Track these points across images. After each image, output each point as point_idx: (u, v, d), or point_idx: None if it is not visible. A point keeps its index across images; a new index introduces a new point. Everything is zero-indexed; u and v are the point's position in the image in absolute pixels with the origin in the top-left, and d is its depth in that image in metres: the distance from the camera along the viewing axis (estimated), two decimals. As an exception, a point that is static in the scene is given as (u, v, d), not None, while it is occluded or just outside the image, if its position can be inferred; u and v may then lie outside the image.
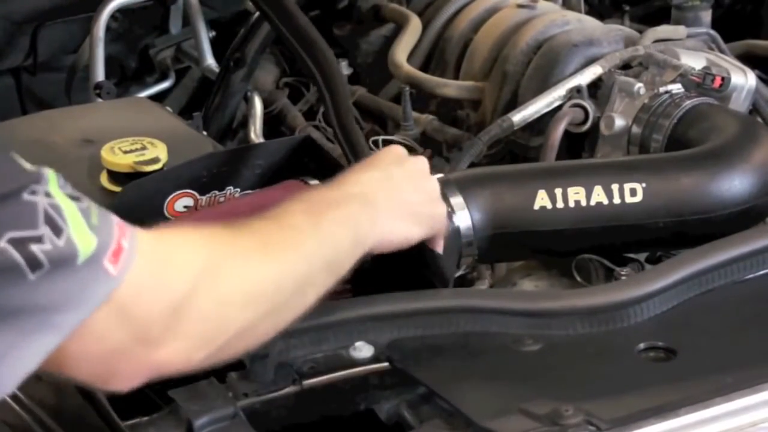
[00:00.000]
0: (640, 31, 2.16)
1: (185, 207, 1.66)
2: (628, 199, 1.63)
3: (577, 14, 2.26)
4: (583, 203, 1.63)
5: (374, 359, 1.36)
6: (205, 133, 2.09)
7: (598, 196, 1.63)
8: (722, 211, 1.66)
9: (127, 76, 2.82)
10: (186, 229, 1.26)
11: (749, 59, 2.17)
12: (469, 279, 1.85)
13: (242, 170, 1.71)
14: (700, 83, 1.91)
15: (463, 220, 1.60)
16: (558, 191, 1.63)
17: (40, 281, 1.04)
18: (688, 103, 1.88)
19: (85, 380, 1.16)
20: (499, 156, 2.11)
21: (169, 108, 2.21)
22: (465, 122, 2.22)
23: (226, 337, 1.20)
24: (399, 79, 2.28)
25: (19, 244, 1.03)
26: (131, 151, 1.74)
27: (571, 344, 1.40)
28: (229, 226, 1.25)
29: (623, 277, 1.65)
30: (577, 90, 2.00)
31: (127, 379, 1.16)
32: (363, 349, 1.36)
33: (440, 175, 1.63)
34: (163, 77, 2.82)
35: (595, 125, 1.98)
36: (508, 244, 1.63)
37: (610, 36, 2.10)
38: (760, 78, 2.05)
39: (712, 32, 2.19)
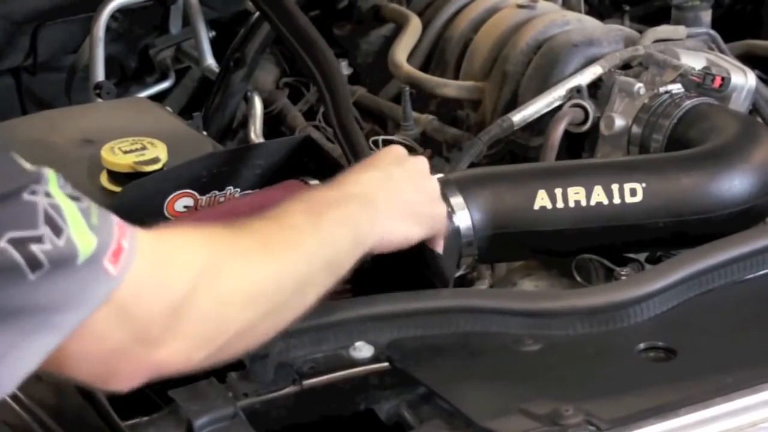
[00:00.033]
0: (640, 31, 2.16)
1: (185, 207, 1.66)
2: (628, 199, 1.63)
3: (577, 14, 2.26)
4: (583, 203, 1.63)
5: (374, 359, 1.36)
6: (205, 133, 2.09)
7: (598, 196, 1.63)
8: (722, 211, 1.66)
9: (127, 76, 2.82)
10: (186, 229, 1.26)
11: (749, 59, 2.17)
12: (469, 279, 1.85)
13: (242, 170, 1.71)
14: (700, 83, 1.91)
15: (463, 220, 1.60)
16: (558, 191, 1.62)
17: (40, 281, 1.04)
18: (688, 103, 1.88)
19: (85, 380, 1.16)
20: (499, 156, 2.11)
21: (169, 108, 2.21)
22: (465, 122, 2.22)
23: (226, 337, 1.20)
24: (399, 79, 2.28)
25: (19, 244, 1.03)
26: (131, 151, 1.74)
27: (571, 344, 1.40)
28: (229, 226, 1.25)
29: (623, 277, 1.65)
30: (577, 90, 2.00)
31: (127, 379, 1.16)
32: (363, 349, 1.36)
33: (440, 175, 1.63)
34: (163, 77, 2.82)
35: (595, 125, 1.98)
36: (508, 244, 1.63)
37: (610, 36, 2.10)
38: (760, 78, 2.05)
39: (712, 32, 2.19)
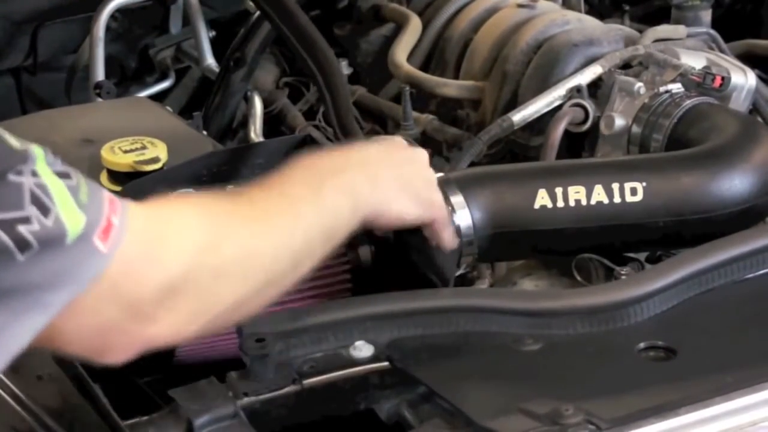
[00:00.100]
0: (640, 31, 2.16)
1: (185, 206, 1.65)
2: (629, 199, 1.63)
3: (577, 14, 2.26)
4: (584, 202, 1.62)
5: (374, 359, 1.36)
6: (205, 132, 2.10)
7: (599, 195, 1.63)
8: (722, 210, 1.66)
9: (127, 76, 2.82)
10: (182, 202, 1.25)
11: (749, 59, 2.17)
12: (470, 278, 1.85)
13: (242, 169, 1.72)
14: (700, 83, 1.91)
15: (464, 219, 1.59)
16: (558, 190, 1.62)
17: (30, 262, 1.04)
18: (688, 103, 1.88)
19: (79, 354, 1.16)
20: (500, 156, 2.10)
21: (169, 108, 2.21)
22: (465, 122, 2.22)
23: (220, 309, 1.20)
24: (399, 78, 2.28)
25: (6, 225, 1.03)
26: (131, 151, 1.74)
27: (571, 344, 1.40)
28: (228, 195, 1.25)
29: (623, 277, 1.64)
30: (577, 89, 2.00)
31: (121, 353, 1.16)
32: (363, 349, 1.36)
33: (440, 175, 1.63)
34: (163, 77, 2.83)
35: (595, 125, 1.98)
36: (508, 243, 1.63)
37: (610, 36, 2.10)
38: (760, 78, 2.05)
39: (712, 32, 2.19)
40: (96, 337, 1.13)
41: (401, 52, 2.30)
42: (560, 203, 1.62)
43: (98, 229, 1.08)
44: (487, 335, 1.40)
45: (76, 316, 1.09)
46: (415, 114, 2.22)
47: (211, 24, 2.70)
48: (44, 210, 1.04)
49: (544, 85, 2.05)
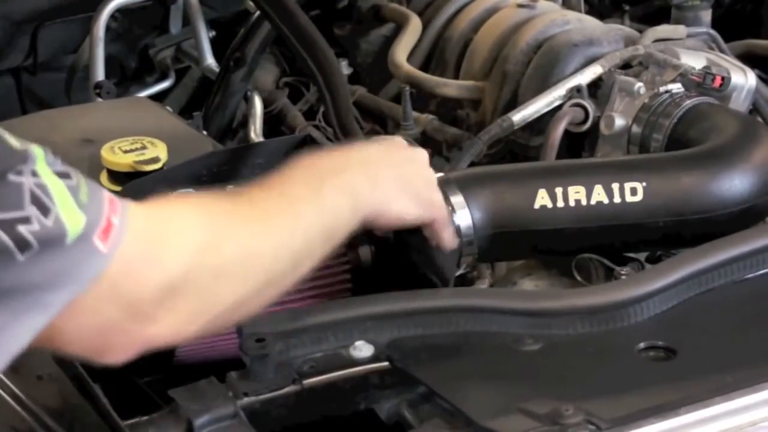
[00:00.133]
0: (640, 31, 2.16)
1: (185, 206, 1.65)
2: (629, 199, 1.63)
3: (577, 14, 2.26)
4: (584, 202, 1.62)
5: (374, 359, 1.36)
6: (205, 132, 2.10)
7: (599, 195, 1.63)
8: (722, 210, 1.65)
9: (127, 76, 2.82)
10: (182, 202, 1.25)
11: (749, 59, 2.17)
12: (469, 278, 1.85)
13: (242, 169, 1.72)
14: (700, 83, 1.91)
15: (464, 219, 1.59)
16: (558, 190, 1.62)
17: (30, 262, 1.04)
18: (688, 103, 1.88)
19: (79, 354, 1.16)
20: (500, 156, 2.10)
21: (169, 108, 2.21)
22: (465, 122, 2.22)
23: (220, 309, 1.20)
24: (399, 78, 2.28)
25: (6, 225, 1.03)
26: (131, 151, 1.74)
27: (571, 344, 1.40)
28: (229, 195, 1.25)
29: (623, 277, 1.64)
30: (577, 89, 2.00)
31: (121, 353, 1.16)
32: (363, 349, 1.36)
33: (440, 175, 1.63)
34: (163, 77, 2.83)
35: (595, 125, 1.98)
36: (508, 243, 1.63)
37: (610, 36, 2.10)
38: (760, 78, 2.05)
39: (712, 32, 2.19)
40: (96, 337, 1.13)
41: (401, 52, 2.30)
42: (560, 203, 1.62)
43: (98, 229, 1.08)
44: (487, 335, 1.40)
45: (76, 316, 1.09)
46: (415, 114, 2.22)
47: (211, 24, 2.70)
48: (44, 210, 1.04)
49: (544, 85, 2.05)
